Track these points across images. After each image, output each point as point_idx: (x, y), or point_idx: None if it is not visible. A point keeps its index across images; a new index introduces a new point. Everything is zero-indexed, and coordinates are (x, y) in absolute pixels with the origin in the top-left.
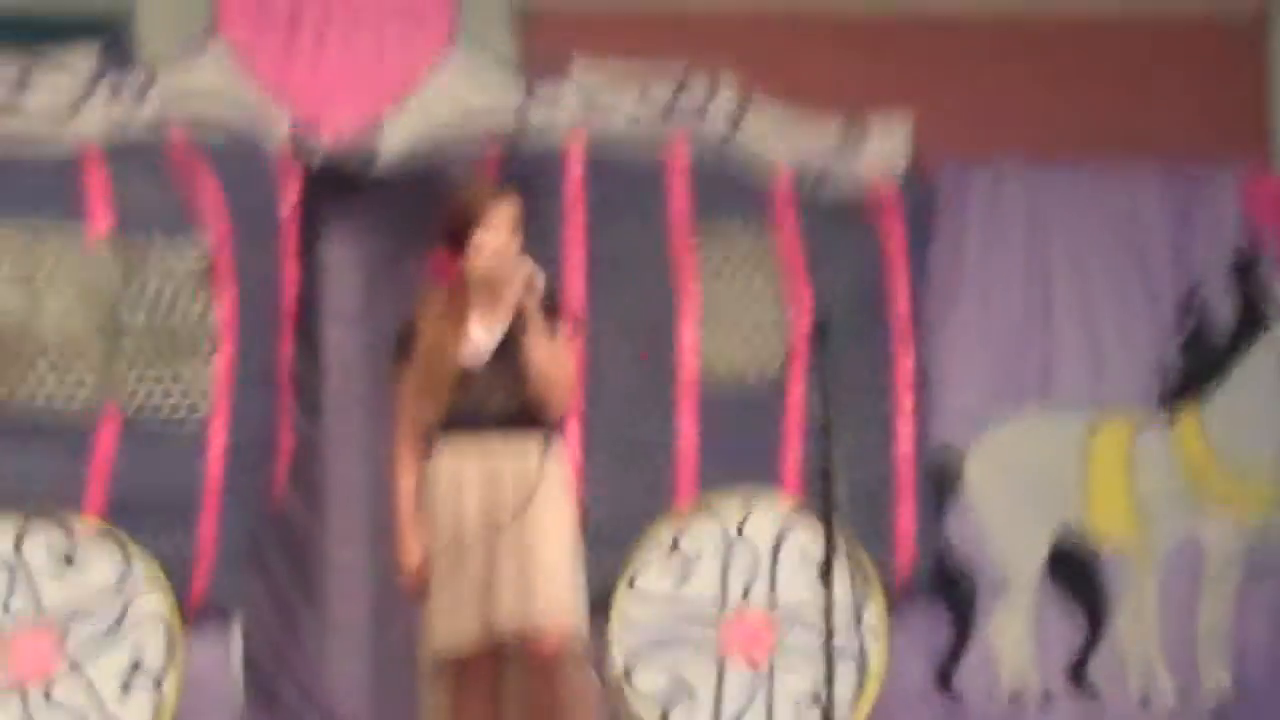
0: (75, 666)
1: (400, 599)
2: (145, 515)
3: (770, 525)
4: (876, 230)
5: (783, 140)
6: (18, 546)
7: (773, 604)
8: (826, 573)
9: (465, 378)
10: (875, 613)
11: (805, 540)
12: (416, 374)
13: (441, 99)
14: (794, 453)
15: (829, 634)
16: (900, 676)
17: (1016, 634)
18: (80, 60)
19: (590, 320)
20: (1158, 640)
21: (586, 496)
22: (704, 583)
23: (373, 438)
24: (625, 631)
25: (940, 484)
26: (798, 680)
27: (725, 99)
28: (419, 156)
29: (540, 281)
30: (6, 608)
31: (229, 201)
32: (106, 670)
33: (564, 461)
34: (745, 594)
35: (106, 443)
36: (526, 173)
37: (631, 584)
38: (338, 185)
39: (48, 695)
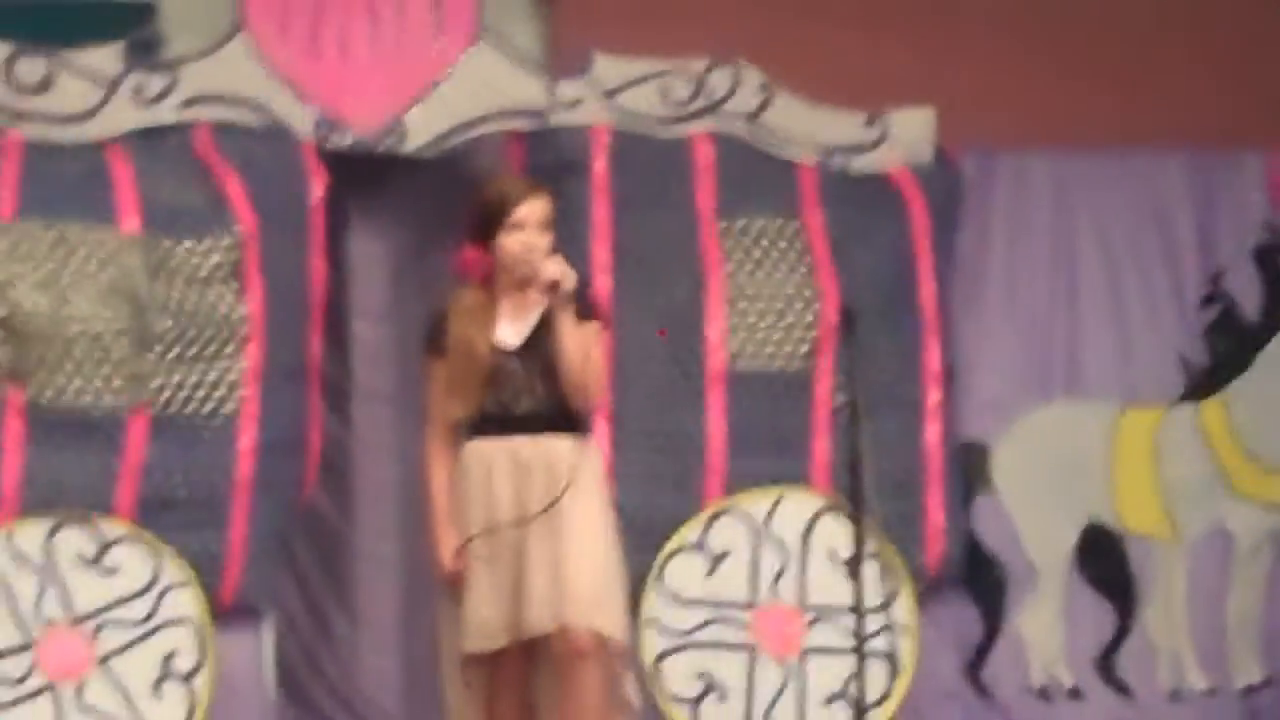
0: (107, 667)
1: (430, 595)
2: (175, 514)
3: (799, 518)
4: (902, 220)
5: (807, 131)
6: (48, 547)
7: (802, 598)
8: (856, 566)
9: (495, 374)
10: (904, 606)
11: (834, 533)
12: (446, 369)
13: (466, 91)
14: (822, 444)
15: (859, 628)
16: (929, 670)
17: (1046, 625)
18: (105, 57)
19: (616, 313)
20: (1187, 630)
21: (616, 491)
22: (733, 578)
23: (401, 433)
24: (655, 627)
25: (968, 475)
26: (828, 675)
27: (749, 90)
28: (444, 149)
29: (571, 278)
30: (37, 608)
31: (256, 196)
32: (138, 670)
33: (598, 459)
34: (774, 588)
35: (136, 441)
36: (551, 165)
37: (661, 579)
38: (363, 179)
39: (79, 696)
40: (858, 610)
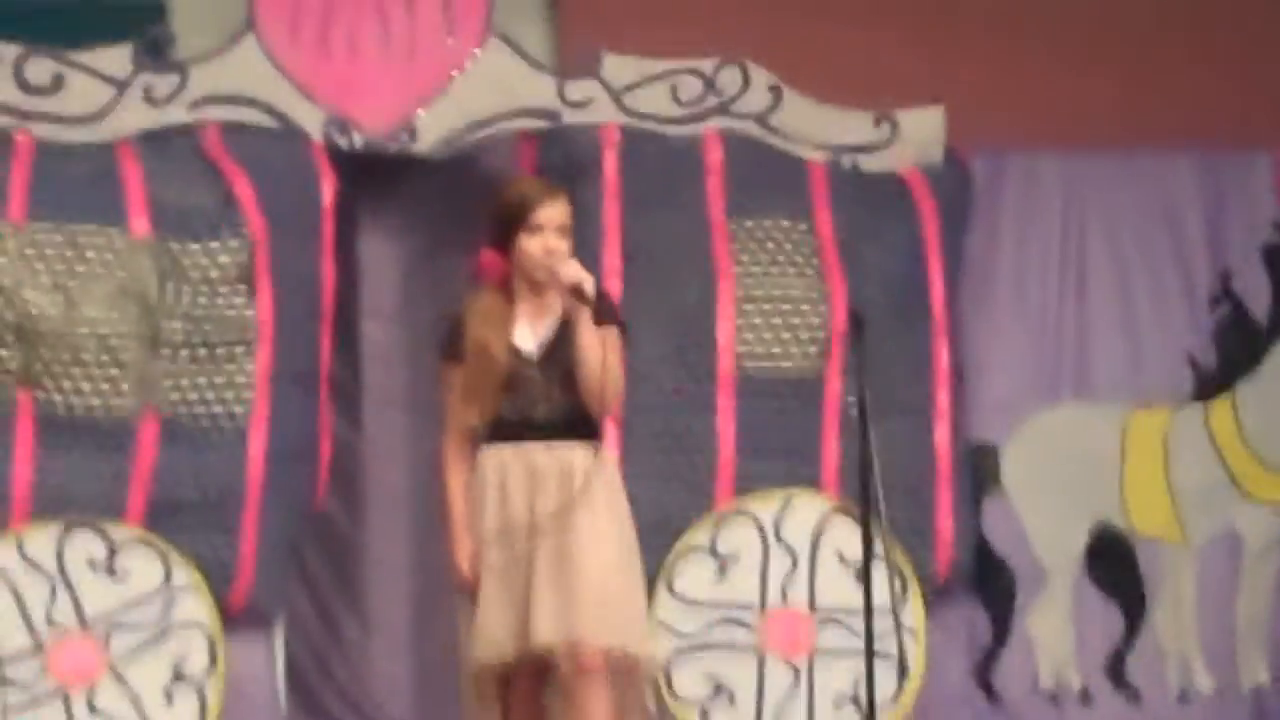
0: (118, 674)
1: (441, 601)
2: (186, 519)
3: (809, 523)
4: (912, 221)
5: (817, 131)
6: (59, 553)
7: (812, 603)
8: (865, 569)
9: (512, 379)
10: (914, 610)
11: (843, 537)
12: (463, 375)
13: (476, 91)
14: (832, 447)
15: (869, 630)
16: (939, 674)
17: (1055, 628)
18: (115, 58)
19: (626, 314)
20: (1196, 634)
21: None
22: (743, 583)
23: (412, 437)
24: (664, 633)
25: (977, 477)
26: (837, 679)
27: (758, 90)
28: (455, 149)
29: (591, 282)
30: (48, 615)
31: (266, 198)
32: (149, 677)
33: (614, 468)
34: (784, 593)
35: (146, 445)
36: (562, 165)
37: (670, 585)
38: (374, 180)
39: (91, 703)
40: (867, 613)
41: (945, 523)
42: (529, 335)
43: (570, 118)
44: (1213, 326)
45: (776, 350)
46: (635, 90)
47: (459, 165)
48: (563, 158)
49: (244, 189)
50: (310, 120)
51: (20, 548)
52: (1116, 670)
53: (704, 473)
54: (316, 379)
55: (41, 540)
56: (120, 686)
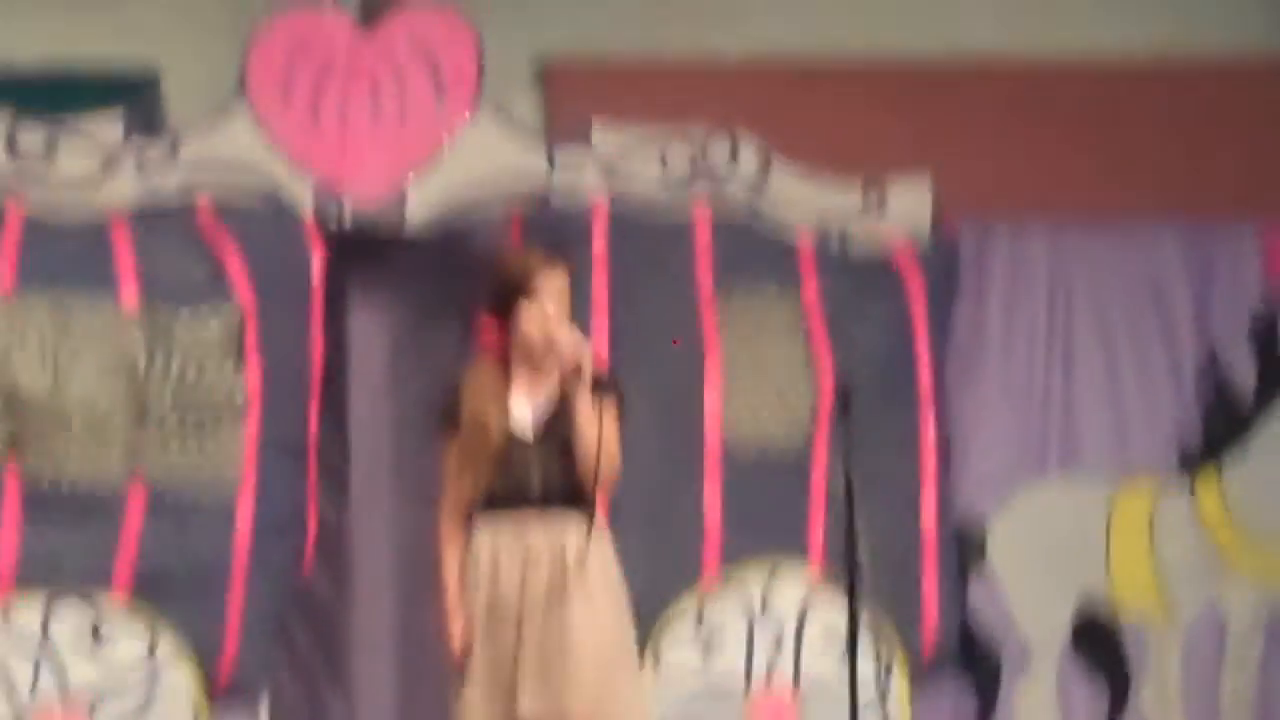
0: None
1: (427, 678)
2: (173, 590)
3: (795, 598)
4: (899, 297)
5: (805, 202)
6: (45, 624)
7: (797, 680)
8: (851, 649)
9: (508, 454)
10: (900, 687)
11: (830, 613)
12: (460, 447)
13: (466, 163)
14: (819, 522)
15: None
16: None
17: (1040, 707)
18: (106, 127)
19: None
20: (1181, 713)
21: None
22: (729, 658)
23: (398, 513)
24: (650, 707)
25: (964, 553)
26: None
27: (747, 160)
28: (444, 222)
29: (590, 359)
30: (34, 686)
31: (256, 270)
32: None
33: (609, 546)
34: (770, 670)
35: (134, 517)
36: (551, 238)
37: (656, 660)
38: (363, 252)
39: None
40: (852, 691)
41: (931, 600)
42: (525, 408)
43: (560, 188)
44: (1199, 402)
45: (763, 424)
46: (624, 160)
47: (449, 242)
48: (552, 235)
49: (234, 262)
50: (300, 192)
51: (5, 618)
52: None
53: (691, 548)
54: (304, 452)
55: (27, 611)
56: None
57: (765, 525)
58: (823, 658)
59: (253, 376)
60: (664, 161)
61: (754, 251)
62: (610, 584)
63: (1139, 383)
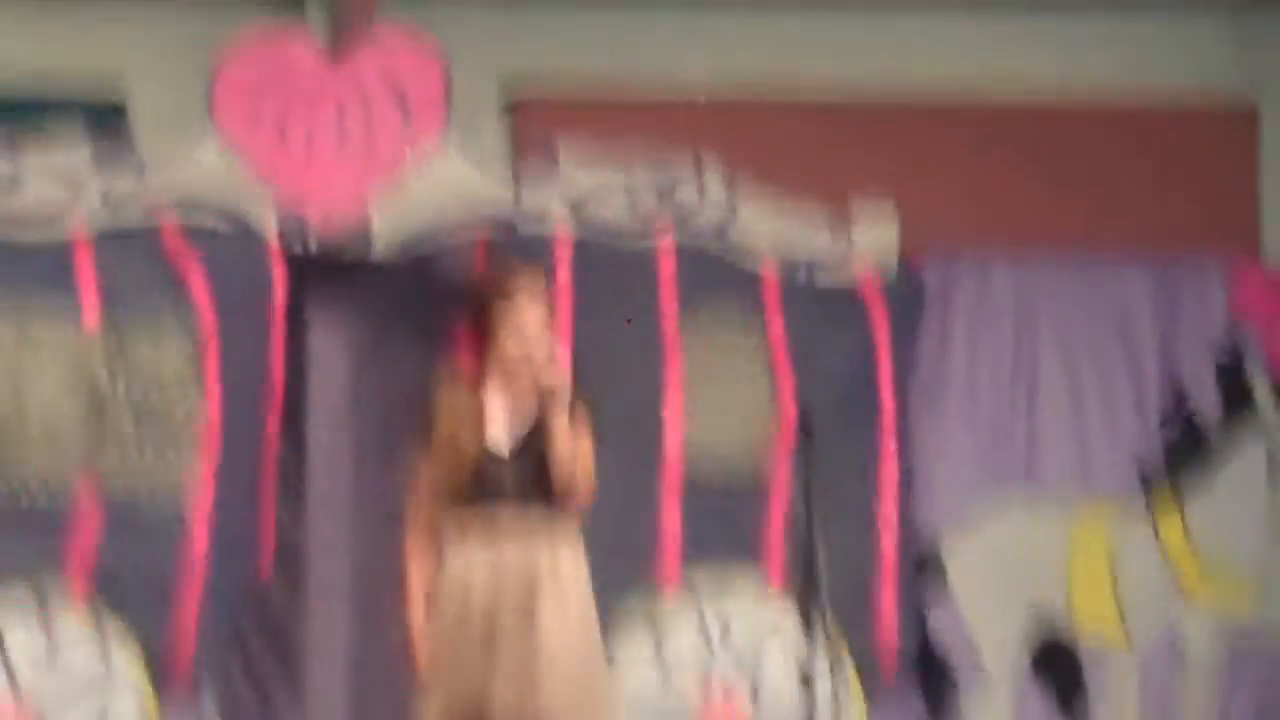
0: None
1: (381, 689)
2: (127, 598)
3: (753, 619)
4: (863, 328)
5: (770, 230)
6: None
7: (754, 699)
8: (808, 671)
9: (481, 474)
10: (856, 707)
11: (788, 635)
12: (433, 461)
13: (432, 188)
14: (778, 545)
15: None
16: None
17: None
18: (72, 147)
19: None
20: None
21: None
22: (685, 678)
23: (355, 534)
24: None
25: (923, 576)
26: None
27: (713, 190)
28: (408, 245)
29: (567, 384)
30: None
31: (219, 292)
32: None
33: (581, 564)
34: (726, 690)
35: (89, 528)
36: (515, 262)
37: (611, 678)
38: (327, 274)
39: None
40: (809, 711)
41: (890, 621)
42: (501, 428)
43: (523, 217)
44: (1162, 432)
45: (723, 451)
46: (590, 189)
47: (412, 264)
48: (515, 255)
49: (198, 283)
50: (266, 218)
51: None
52: None
53: (649, 569)
54: (263, 470)
55: None
56: None
57: (724, 547)
58: (780, 677)
59: (213, 397)
60: (630, 191)
61: (718, 279)
62: (582, 597)
63: (1102, 412)
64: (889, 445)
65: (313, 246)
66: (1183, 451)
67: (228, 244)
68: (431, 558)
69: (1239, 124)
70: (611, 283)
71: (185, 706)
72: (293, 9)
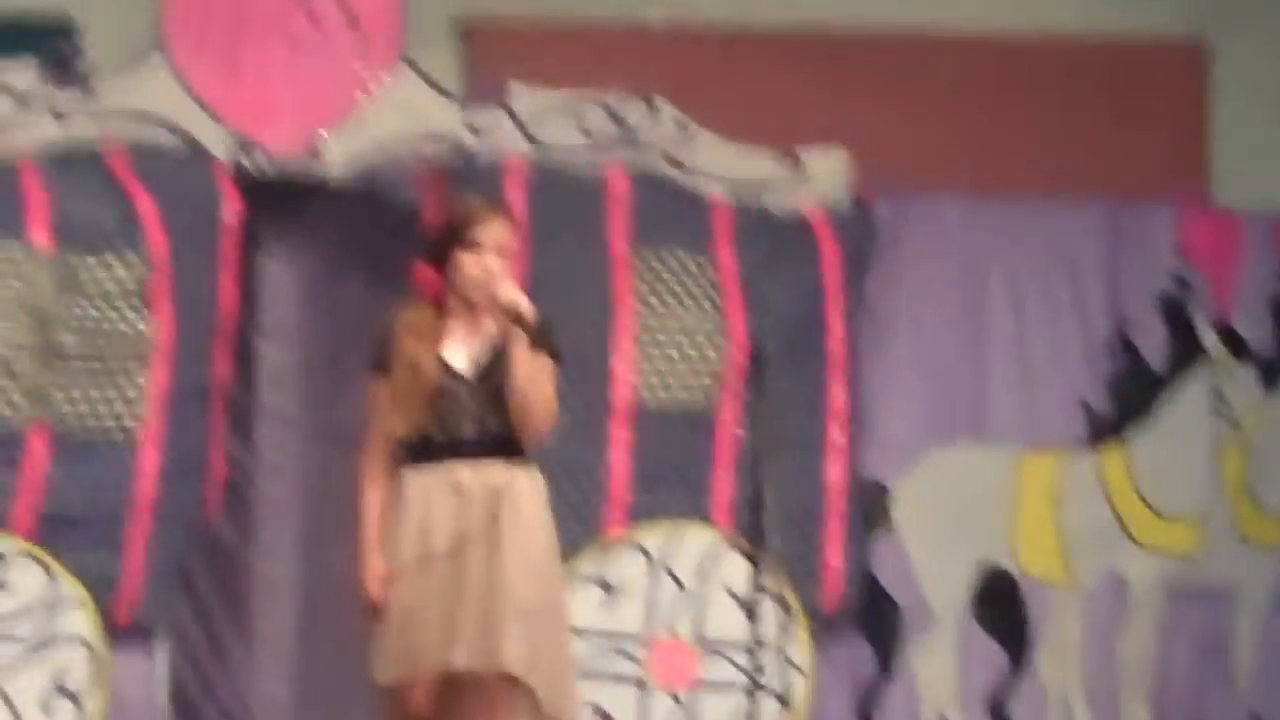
0: None
1: (327, 622)
2: (74, 533)
3: (698, 556)
4: (814, 261)
5: (723, 168)
6: None
7: (698, 635)
8: (752, 603)
9: (441, 396)
10: (800, 645)
11: (732, 571)
12: (391, 387)
13: (384, 117)
14: (724, 482)
15: (754, 665)
16: (822, 708)
17: (940, 667)
18: (20, 72)
19: None
20: (1079, 675)
21: None
22: (629, 613)
23: (304, 456)
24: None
25: (868, 515)
26: (720, 711)
27: (664, 125)
28: (360, 174)
29: (528, 307)
30: None
31: (168, 217)
32: (28, 690)
33: (542, 489)
34: (670, 625)
35: (37, 458)
36: (469, 188)
37: None
38: (278, 202)
39: None
40: (752, 647)
41: (834, 558)
42: (461, 353)
43: (476, 145)
44: (1108, 374)
45: (672, 383)
46: (541, 120)
47: (364, 192)
48: (467, 186)
49: (147, 207)
50: (216, 141)
51: None
52: (999, 709)
53: (595, 502)
54: (212, 398)
55: None
56: None
57: (671, 481)
58: (723, 616)
59: (162, 321)
60: (582, 124)
61: (670, 211)
62: (544, 527)
63: (1049, 353)
64: (836, 381)
65: (264, 171)
66: (1128, 392)
67: (178, 166)
68: (387, 481)
69: (1189, 62)
70: (564, 209)
71: (132, 640)
72: None
